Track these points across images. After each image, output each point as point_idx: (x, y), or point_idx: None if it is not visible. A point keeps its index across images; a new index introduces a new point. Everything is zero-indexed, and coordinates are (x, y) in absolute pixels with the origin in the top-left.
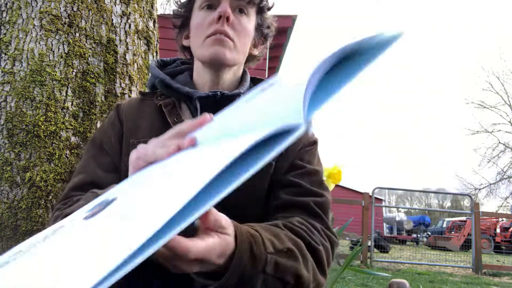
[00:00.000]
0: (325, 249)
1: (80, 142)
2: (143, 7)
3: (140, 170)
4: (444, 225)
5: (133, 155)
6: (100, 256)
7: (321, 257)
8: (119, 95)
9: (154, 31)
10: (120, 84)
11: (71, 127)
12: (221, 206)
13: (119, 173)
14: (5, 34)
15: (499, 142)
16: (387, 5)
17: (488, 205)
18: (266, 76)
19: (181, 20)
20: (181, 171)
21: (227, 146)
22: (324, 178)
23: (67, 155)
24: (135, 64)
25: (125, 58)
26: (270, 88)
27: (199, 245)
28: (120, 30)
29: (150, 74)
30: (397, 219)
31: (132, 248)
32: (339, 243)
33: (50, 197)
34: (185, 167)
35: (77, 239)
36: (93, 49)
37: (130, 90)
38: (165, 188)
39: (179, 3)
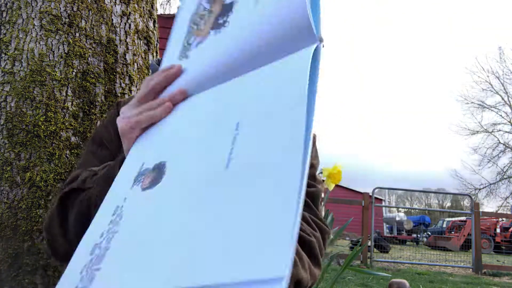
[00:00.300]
0: (316, 240)
1: (80, 142)
2: (143, 7)
3: (137, 138)
4: (444, 225)
5: (125, 126)
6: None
7: (314, 249)
8: (119, 95)
9: (154, 31)
10: (120, 84)
11: (71, 127)
12: None
13: None
14: (5, 34)
15: (499, 142)
16: (385, 5)
17: (488, 205)
18: None
19: None
20: (253, 116)
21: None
22: (324, 178)
23: (67, 155)
24: (135, 64)
25: (125, 58)
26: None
27: None
28: (120, 30)
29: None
30: (397, 219)
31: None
32: (330, 232)
33: (50, 197)
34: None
35: (184, 213)
36: (93, 49)
37: (130, 90)
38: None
39: None
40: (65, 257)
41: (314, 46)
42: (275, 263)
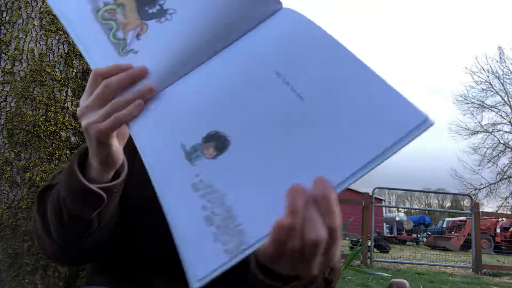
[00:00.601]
0: None
1: (80, 142)
2: None
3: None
4: (444, 225)
5: (99, 135)
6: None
7: None
8: None
9: None
10: None
11: (71, 127)
12: None
13: None
14: (5, 34)
15: (499, 142)
16: (386, 5)
17: (488, 205)
18: None
19: None
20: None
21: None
22: None
23: (67, 155)
24: None
25: None
26: None
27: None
28: None
29: None
30: (397, 219)
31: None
32: None
33: None
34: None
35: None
36: None
37: None
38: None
39: None
40: (57, 257)
41: (282, 6)
42: (414, 115)
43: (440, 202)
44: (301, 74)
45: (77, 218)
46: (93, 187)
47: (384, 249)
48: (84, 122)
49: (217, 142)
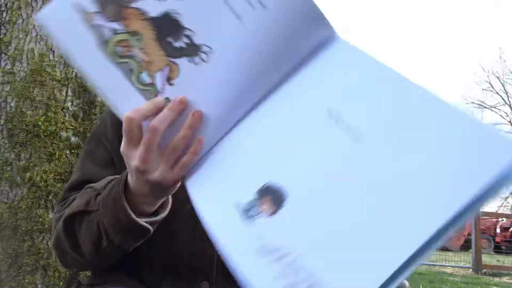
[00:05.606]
0: None
1: (80, 142)
2: None
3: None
4: None
5: (176, 183)
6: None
7: None
8: None
9: None
10: None
11: (71, 127)
12: None
13: (115, 167)
14: (5, 34)
15: None
16: (386, 4)
17: (488, 205)
18: None
19: None
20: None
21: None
22: None
23: (67, 155)
24: None
25: None
26: None
27: None
28: None
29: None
30: None
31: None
32: None
33: (50, 197)
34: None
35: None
36: None
37: None
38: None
39: None
40: (79, 268)
41: (335, 34)
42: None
43: None
44: (357, 112)
45: (119, 247)
46: (143, 222)
47: None
48: (153, 177)
49: (273, 195)
